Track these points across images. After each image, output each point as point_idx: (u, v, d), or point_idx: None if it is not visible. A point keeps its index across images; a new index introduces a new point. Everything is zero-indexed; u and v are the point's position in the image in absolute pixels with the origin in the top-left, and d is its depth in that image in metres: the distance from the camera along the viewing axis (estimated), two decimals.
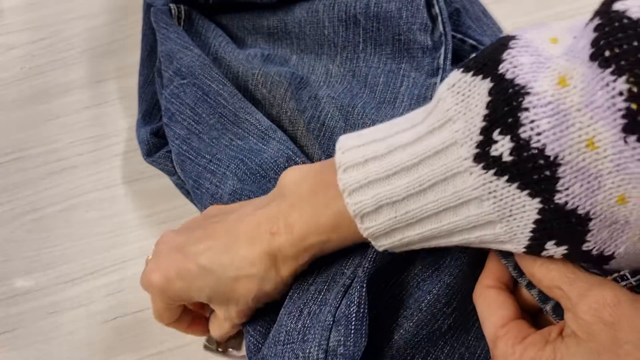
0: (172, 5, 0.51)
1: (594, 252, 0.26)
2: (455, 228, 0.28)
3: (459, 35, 0.48)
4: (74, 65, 0.57)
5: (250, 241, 0.33)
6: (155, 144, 0.48)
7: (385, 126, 0.31)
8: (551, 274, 0.28)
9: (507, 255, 0.31)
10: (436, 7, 0.46)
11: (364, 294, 0.32)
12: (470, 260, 0.34)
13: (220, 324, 0.37)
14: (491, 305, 0.31)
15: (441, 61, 0.45)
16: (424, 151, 0.27)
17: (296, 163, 0.42)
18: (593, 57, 0.23)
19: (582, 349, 0.26)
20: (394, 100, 0.44)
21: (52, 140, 0.53)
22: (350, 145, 0.30)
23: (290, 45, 0.51)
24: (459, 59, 0.48)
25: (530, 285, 0.31)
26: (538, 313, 0.33)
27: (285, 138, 0.43)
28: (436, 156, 0.27)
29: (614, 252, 0.26)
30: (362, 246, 0.35)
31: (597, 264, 0.27)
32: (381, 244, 0.31)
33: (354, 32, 0.47)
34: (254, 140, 0.43)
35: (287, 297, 0.36)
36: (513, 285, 0.33)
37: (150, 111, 0.51)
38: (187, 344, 0.43)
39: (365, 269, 0.33)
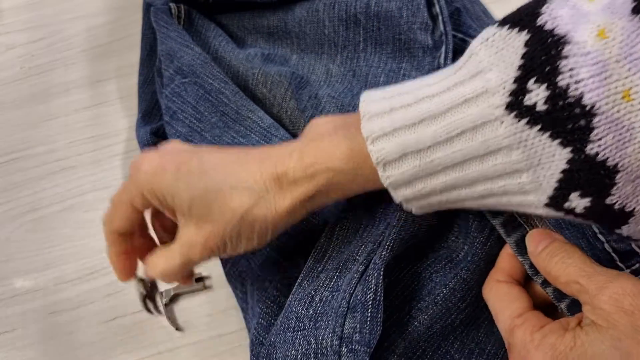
0: (172, 5, 0.51)
1: (616, 206, 0.25)
2: (480, 177, 0.27)
3: (460, 35, 0.48)
4: (73, 65, 0.57)
5: (261, 161, 0.32)
6: (155, 143, 0.48)
7: (412, 82, 0.30)
8: (568, 270, 0.28)
9: (523, 252, 0.32)
10: (437, 7, 0.46)
11: (380, 281, 0.32)
12: (487, 257, 0.34)
13: (172, 255, 0.33)
14: (504, 298, 0.31)
15: (442, 60, 0.44)
16: (453, 99, 0.27)
17: None
18: (635, 10, 0.23)
19: (602, 335, 0.26)
20: None
21: (51, 140, 0.53)
22: (375, 98, 0.30)
23: (290, 44, 0.51)
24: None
25: (545, 283, 0.31)
26: (549, 312, 0.32)
27: (288, 136, 0.43)
28: (466, 104, 0.26)
29: (634, 209, 0.26)
30: (374, 233, 0.35)
31: (615, 223, 0.27)
32: (401, 194, 0.30)
33: (354, 32, 0.47)
34: (256, 138, 0.43)
35: (296, 284, 0.35)
36: (524, 282, 0.33)
37: (150, 111, 0.51)
38: (186, 344, 0.43)
39: (383, 256, 0.33)
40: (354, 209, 0.37)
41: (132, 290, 0.45)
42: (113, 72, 0.56)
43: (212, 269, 0.45)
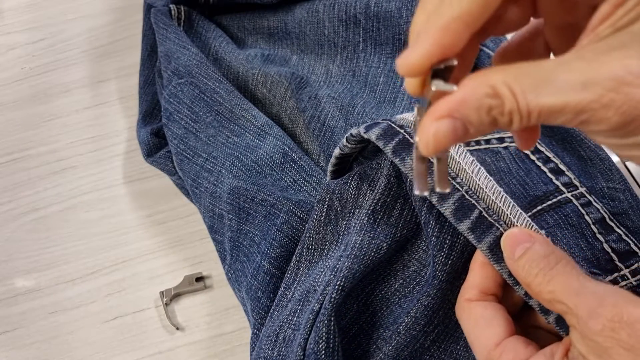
0: (172, 6, 0.51)
1: None
2: None
3: None
4: (74, 66, 0.57)
5: None
6: (155, 144, 0.48)
7: None
8: (552, 284, 0.24)
9: (499, 259, 0.28)
10: None
11: (332, 327, 0.31)
12: (449, 277, 0.31)
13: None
14: (479, 322, 0.27)
15: None
16: None
17: (292, 159, 0.42)
18: None
19: None
20: (394, 99, 0.44)
21: (52, 140, 0.53)
22: None
23: (290, 45, 0.51)
24: None
25: (529, 295, 0.28)
26: (530, 312, 0.30)
27: (282, 134, 0.43)
28: None
29: None
30: (335, 255, 0.34)
31: None
32: None
33: (354, 32, 0.47)
34: (250, 137, 0.43)
35: (270, 313, 0.35)
36: (500, 293, 0.29)
37: (151, 111, 0.51)
38: (186, 344, 0.43)
39: (333, 299, 0.31)
40: (320, 226, 0.35)
41: (132, 290, 0.45)
42: (114, 72, 0.57)
43: (212, 269, 0.45)
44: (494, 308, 0.27)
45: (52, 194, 0.50)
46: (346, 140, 0.34)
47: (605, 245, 0.35)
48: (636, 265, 0.34)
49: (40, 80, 0.57)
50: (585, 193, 0.36)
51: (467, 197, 0.29)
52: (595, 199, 0.36)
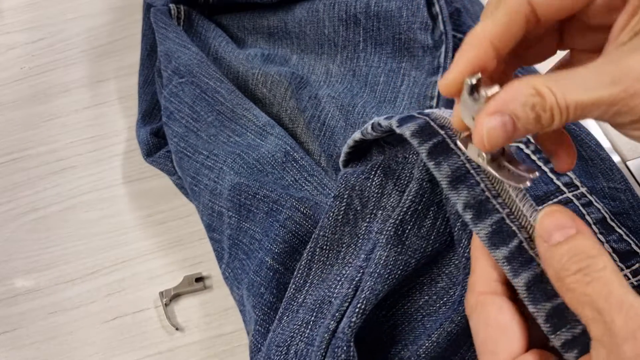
0: (171, 6, 0.51)
1: None
2: None
3: (460, 35, 0.48)
4: (73, 65, 0.57)
5: None
6: (155, 144, 0.48)
7: None
8: (591, 288, 0.21)
9: (537, 300, 0.23)
10: (436, 6, 0.46)
11: (351, 353, 0.28)
12: None
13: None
14: (492, 329, 0.24)
15: (442, 60, 0.45)
16: None
17: (294, 158, 0.42)
18: None
19: None
20: (395, 99, 0.44)
21: (52, 140, 0.53)
22: None
23: (290, 45, 0.51)
24: None
25: (553, 331, 0.23)
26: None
27: (284, 133, 0.43)
28: None
29: None
30: (354, 264, 0.32)
31: None
32: None
33: (354, 32, 0.47)
34: (252, 136, 0.43)
35: (277, 318, 0.33)
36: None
37: (150, 111, 0.51)
38: (186, 344, 0.43)
39: (353, 323, 0.28)
40: (337, 225, 0.33)
41: (132, 290, 0.45)
42: (113, 72, 0.56)
43: (212, 269, 0.45)
44: (510, 311, 0.24)
45: (52, 194, 0.50)
46: (371, 128, 0.30)
47: (606, 246, 0.35)
48: (637, 265, 0.34)
49: (40, 80, 0.57)
50: (586, 193, 0.36)
51: (507, 221, 0.25)
52: (596, 199, 0.36)
